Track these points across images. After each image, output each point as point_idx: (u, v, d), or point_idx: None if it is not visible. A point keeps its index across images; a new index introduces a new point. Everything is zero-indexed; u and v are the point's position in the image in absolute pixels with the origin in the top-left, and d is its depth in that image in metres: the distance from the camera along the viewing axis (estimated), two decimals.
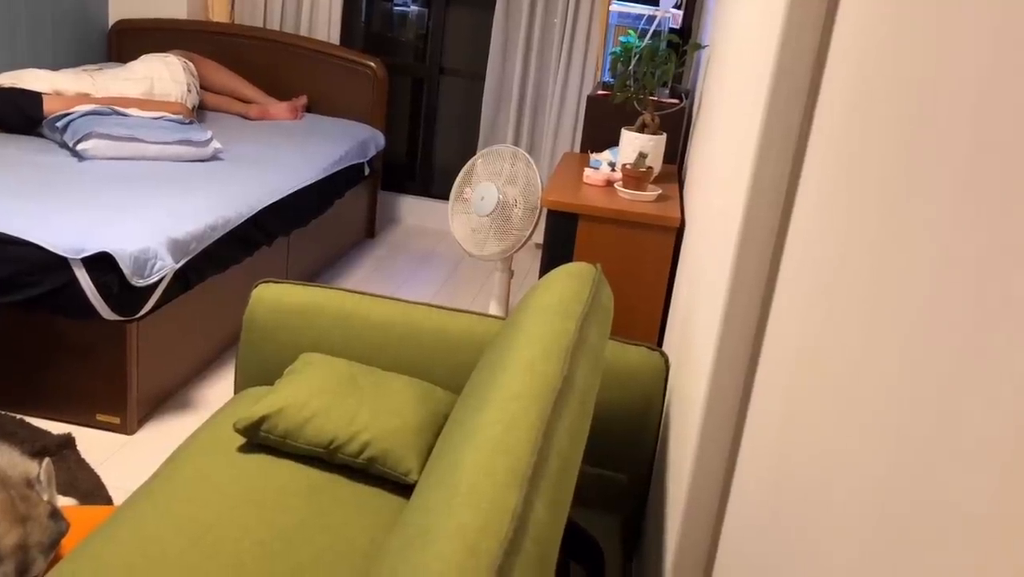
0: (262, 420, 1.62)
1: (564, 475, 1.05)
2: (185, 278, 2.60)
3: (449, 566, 0.85)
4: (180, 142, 3.18)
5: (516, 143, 4.46)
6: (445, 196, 4.79)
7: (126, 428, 2.50)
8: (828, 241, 0.86)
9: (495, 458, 1.00)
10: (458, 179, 3.30)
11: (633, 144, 2.75)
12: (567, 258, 2.60)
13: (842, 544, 0.67)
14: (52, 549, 1.52)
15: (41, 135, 3.34)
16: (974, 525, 0.46)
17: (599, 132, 3.21)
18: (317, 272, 3.88)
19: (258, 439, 1.63)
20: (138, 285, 2.36)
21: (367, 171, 4.16)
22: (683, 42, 3.15)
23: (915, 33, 0.69)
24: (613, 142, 3.17)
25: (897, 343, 0.62)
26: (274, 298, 1.94)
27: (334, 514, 1.49)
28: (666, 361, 1.83)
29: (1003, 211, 0.48)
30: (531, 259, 4.50)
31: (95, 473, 2.28)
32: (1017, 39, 0.49)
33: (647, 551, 1.76)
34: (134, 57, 4.23)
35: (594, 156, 2.93)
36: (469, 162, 3.29)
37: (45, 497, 1.57)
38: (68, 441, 2.39)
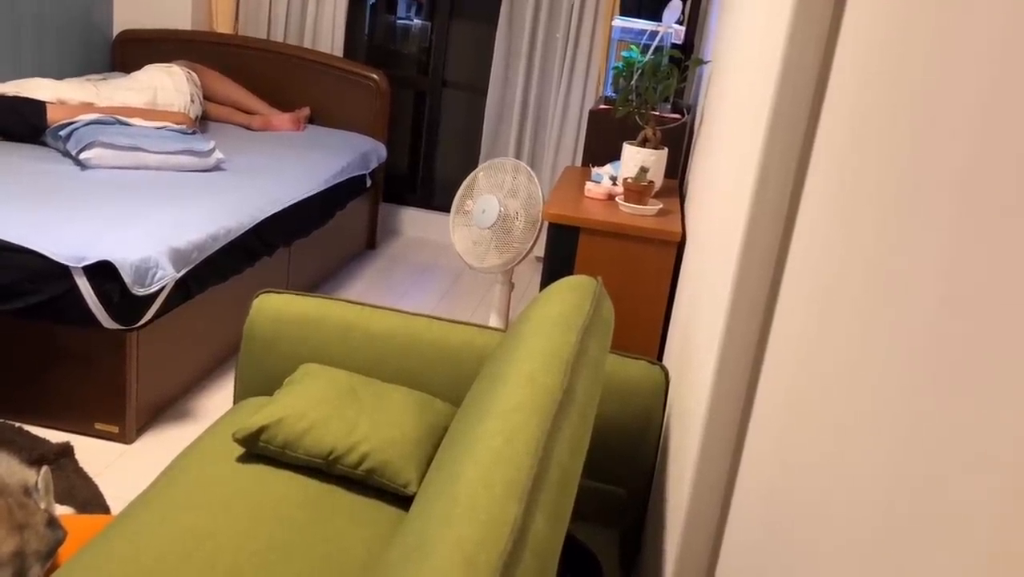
0: (261, 430, 1.62)
1: (564, 488, 1.05)
2: (186, 287, 2.60)
3: None
4: (183, 152, 3.19)
5: (518, 156, 4.47)
6: (446, 208, 4.80)
7: (125, 437, 2.50)
8: (830, 255, 0.86)
9: (495, 470, 1.00)
10: (459, 191, 3.31)
11: (635, 158, 2.76)
12: (568, 271, 2.60)
13: (844, 557, 0.67)
14: (49, 557, 1.51)
15: (44, 144, 3.34)
16: (977, 533, 0.46)
17: (601, 146, 3.21)
18: (318, 283, 3.88)
19: (257, 449, 1.63)
20: (139, 294, 2.36)
21: (369, 183, 4.16)
22: (685, 57, 3.16)
23: (918, 50, 0.69)
24: (615, 156, 3.18)
25: (899, 356, 0.62)
26: (275, 308, 1.94)
27: (332, 525, 1.49)
28: (666, 375, 1.82)
29: (1002, 225, 0.48)
30: (532, 272, 4.50)
31: (93, 482, 2.28)
32: (1020, 53, 0.50)
33: (646, 565, 1.75)
34: (138, 67, 4.24)
35: (595, 170, 2.94)
36: (471, 175, 3.30)
37: (43, 505, 1.56)
38: (66, 450, 2.38)
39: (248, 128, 4.14)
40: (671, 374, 2.03)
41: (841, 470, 0.71)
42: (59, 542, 1.54)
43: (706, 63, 2.97)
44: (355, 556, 1.43)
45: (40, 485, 1.59)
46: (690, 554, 1.26)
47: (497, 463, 1.01)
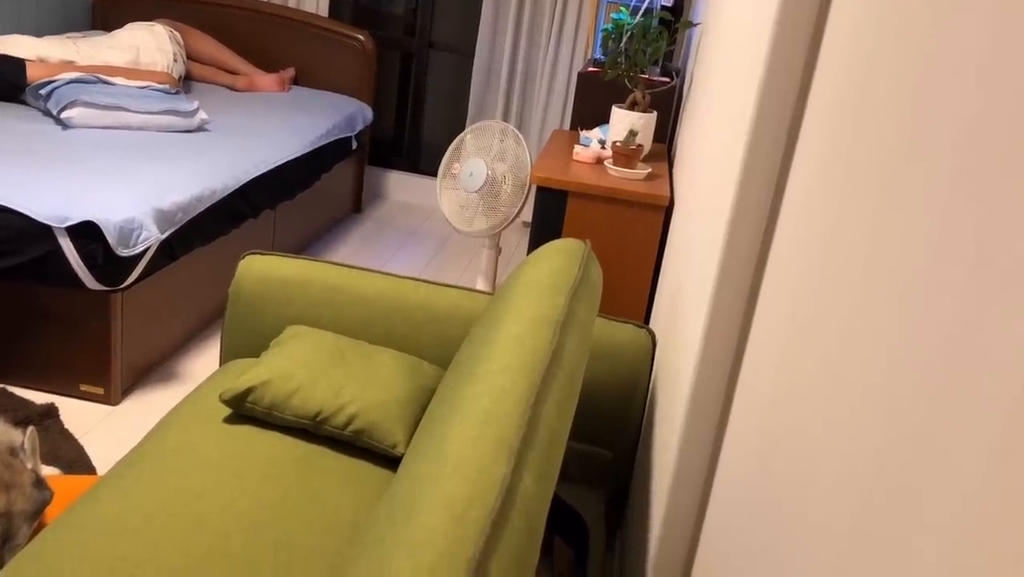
0: (248, 391, 1.62)
1: (552, 448, 1.06)
2: (171, 249, 2.58)
3: (436, 536, 0.85)
4: (166, 112, 3.15)
5: (505, 119, 4.44)
6: (433, 172, 4.77)
7: (110, 399, 2.49)
8: (821, 219, 0.86)
9: (483, 430, 1.00)
10: (447, 155, 3.29)
11: (623, 122, 2.74)
12: (555, 235, 2.59)
13: (828, 521, 0.68)
14: (36, 517, 1.51)
15: (24, 102, 3.29)
16: (961, 508, 0.46)
17: (589, 109, 3.19)
18: (303, 246, 3.86)
19: (244, 410, 1.63)
20: (123, 255, 2.34)
21: (354, 145, 4.13)
22: (675, 20, 3.13)
23: (913, 6, 0.68)
24: (603, 119, 3.16)
25: (889, 322, 0.62)
26: (261, 270, 1.92)
27: (320, 486, 1.49)
28: (653, 339, 1.83)
29: (997, 193, 0.48)
30: (519, 237, 4.49)
31: (78, 443, 2.27)
32: (1019, 13, 0.49)
33: (631, 526, 1.77)
34: (119, 25, 4.17)
35: (584, 133, 2.92)
36: (458, 138, 3.28)
37: (29, 465, 1.56)
38: (51, 411, 2.37)
39: (232, 88, 4.08)
40: (658, 338, 2.04)
41: (827, 433, 0.71)
42: (46, 502, 1.54)
43: (696, 25, 2.95)
44: (343, 516, 1.44)
45: (27, 446, 1.59)
46: (676, 513, 1.27)
47: (486, 423, 1.02)
